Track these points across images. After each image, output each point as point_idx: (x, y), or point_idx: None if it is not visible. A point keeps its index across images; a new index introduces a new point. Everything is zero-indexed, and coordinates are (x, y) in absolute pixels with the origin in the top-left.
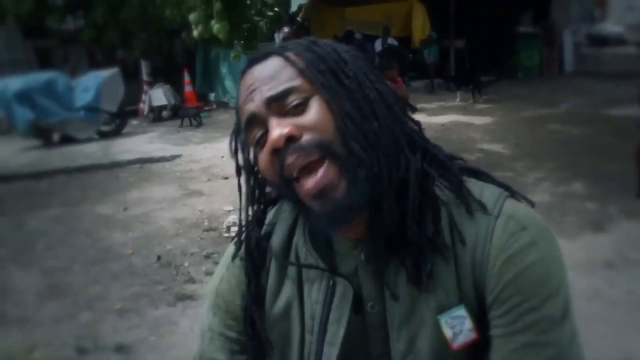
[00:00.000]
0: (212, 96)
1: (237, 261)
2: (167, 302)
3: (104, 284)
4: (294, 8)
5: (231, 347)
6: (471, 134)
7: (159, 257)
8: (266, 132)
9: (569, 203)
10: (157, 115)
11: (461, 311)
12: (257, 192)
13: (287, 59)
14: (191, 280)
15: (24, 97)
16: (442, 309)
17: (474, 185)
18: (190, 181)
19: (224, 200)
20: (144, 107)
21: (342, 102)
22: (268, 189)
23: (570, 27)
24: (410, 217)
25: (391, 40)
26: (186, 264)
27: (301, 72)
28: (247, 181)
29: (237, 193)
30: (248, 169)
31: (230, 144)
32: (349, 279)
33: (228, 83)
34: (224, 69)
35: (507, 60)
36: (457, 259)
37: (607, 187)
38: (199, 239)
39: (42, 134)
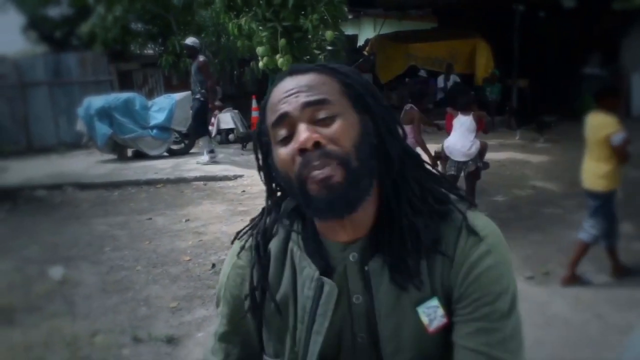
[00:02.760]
0: None
1: (243, 256)
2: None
3: (162, 285)
4: (361, 42)
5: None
6: (526, 171)
7: (213, 265)
8: (292, 133)
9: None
10: (224, 138)
11: (435, 302)
12: (271, 184)
13: (327, 77)
14: None
15: (104, 114)
16: (419, 300)
17: (445, 197)
18: (250, 200)
19: None
20: (212, 129)
21: (362, 123)
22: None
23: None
24: (400, 222)
25: (454, 77)
26: None
27: (336, 91)
28: (263, 173)
29: None
30: (265, 164)
31: (254, 141)
32: (338, 275)
33: None
34: None
35: (571, 101)
36: (430, 261)
37: None
38: None
39: (118, 148)
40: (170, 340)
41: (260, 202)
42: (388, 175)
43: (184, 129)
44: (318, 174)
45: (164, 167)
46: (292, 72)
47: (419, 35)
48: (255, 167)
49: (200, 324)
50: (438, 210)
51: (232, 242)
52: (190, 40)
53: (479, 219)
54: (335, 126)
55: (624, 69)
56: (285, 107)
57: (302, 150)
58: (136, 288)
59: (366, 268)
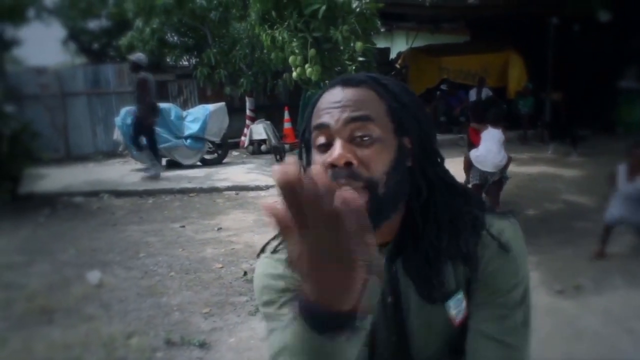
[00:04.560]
0: None
1: (275, 255)
2: (248, 311)
3: (195, 291)
4: (393, 55)
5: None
6: (557, 185)
7: (245, 273)
8: (330, 143)
9: None
10: (256, 148)
11: (460, 294)
12: None
13: (376, 94)
14: None
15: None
16: (447, 295)
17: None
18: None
19: None
20: (245, 140)
21: (399, 148)
22: None
23: None
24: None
25: (486, 91)
26: None
27: (382, 111)
28: (303, 168)
29: None
30: (307, 160)
31: (300, 141)
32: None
33: None
34: None
35: (606, 115)
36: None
37: None
38: None
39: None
40: (203, 345)
41: None
42: (417, 197)
43: (217, 139)
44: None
45: (197, 177)
46: (344, 82)
47: (452, 48)
48: None
49: (231, 330)
50: (463, 228)
51: (261, 251)
52: (134, 56)
53: (507, 230)
54: (372, 149)
55: None
56: (327, 119)
57: (333, 165)
58: (169, 293)
59: (394, 268)
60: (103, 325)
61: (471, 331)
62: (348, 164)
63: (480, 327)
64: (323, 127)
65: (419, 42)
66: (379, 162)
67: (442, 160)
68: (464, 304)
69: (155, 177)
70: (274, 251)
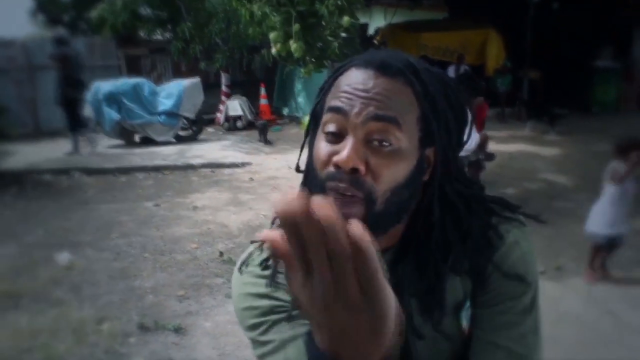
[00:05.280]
0: (285, 111)
1: (255, 270)
2: (225, 293)
3: (169, 272)
4: (372, 31)
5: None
6: (536, 164)
7: (221, 253)
8: (340, 134)
9: (629, 238)
10: (232, 125)
11: (468, 303)
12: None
13: (415, 94)
14: None
15: (112, 99)
16: (456, 305)
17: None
18: (258, 188)
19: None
20: (220, 116)
21: (418, 162)
22: None
23: None
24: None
25: (464, 67)
26: None
27: (413, 116)
28: (308, 143)
29: None
30: (312, 136)
31: (311, 113)
32: None
33: (301, 99)
34: (298, 85)
35: (582, 94)
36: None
37: None
38: None
39: (126, 134)
40: (178, 330)
41: (267, 191)
42: (426, 214)
43: (192, 116)
44: (339, 196)
45: (171, 154)
46: (379, 67)
47: (431, 25)
48: (264, 154)
49: (208, 313)
50: (475, 247)
51: (242, 264)
52: (56, 32)
53: (505, 223)
54: (388, 160)
55: (636, 61)
56: (347, 105)
57: (337, 166)
58: (143, 275)
59: (399, 272)
60: (73, 310)
61: (478, 340)
62: (354, 170)
63: (487, 336)
64: (339, 113)
65: (398, 18)
66: (391, 176)
67: (463, 173)
68: (470, 311)
69: (73, 154)
70: (261, 264)
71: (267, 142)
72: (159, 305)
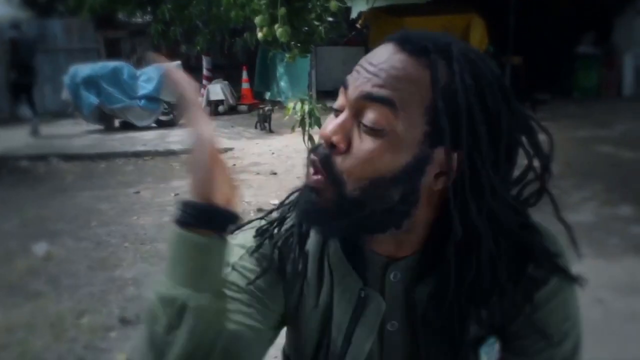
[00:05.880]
0: (267, 95)
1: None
2: None
3: (151, 263)
4: (354, 15)
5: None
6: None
7: None
8: (342, 109)
9: (614, 225)
10: (213, 109)
11: (493, 338)
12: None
13: (432, 81)
14: None
15: (91, 83)
16: (478, 338)
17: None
18: (240, 174)
19: (272, 195)
20: (201, 100)
21: (417, 165)
22: None
23: (632, 50)
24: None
25: None
26: None
27: (421, 111)
28: None
29: (283, 189)
30: None
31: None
32: (376, 292)
33: (283, 84)
34: (280, 69)
35: (564, 80)
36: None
37: None
38: None
39: (105, 118)
40: None
41: (249, 177)
42: (445, 233)
43: (172, 100)
44: (310, 171)
45: (152, 139)
46: (401, 41)
47: (413, 9)
48: (245, 139)
49: None
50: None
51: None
52: (14, 18)
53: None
54: (374, 143)
55: (617, 48)
56: (351, 79)
57: (322, 138)
58: (124, 266)
59: (413, 295)
60: (50, 303)
61: None
62: (332, 146)
63: None
64: (344, 87)
65: (381, 2)
66: (370, 163)
67: (504, 199)
68: (496, 347)
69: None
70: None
71: (271, 130)
72: (141, 297)
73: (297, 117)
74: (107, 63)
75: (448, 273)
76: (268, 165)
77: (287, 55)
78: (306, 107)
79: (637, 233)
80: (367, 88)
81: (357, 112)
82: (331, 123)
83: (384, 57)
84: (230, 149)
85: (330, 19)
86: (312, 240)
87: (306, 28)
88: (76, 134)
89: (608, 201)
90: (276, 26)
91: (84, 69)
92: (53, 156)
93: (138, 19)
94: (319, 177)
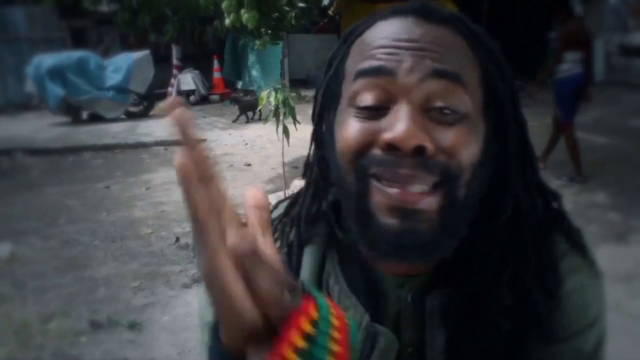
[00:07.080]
0: (239, 84)
1: None
2: (183, 283)
3: (122, 261)
4: (326, 2)
5: None
6: None
7: (177, 239)
8: (383, 107)
9: (592, 212)
10: (184, 100)
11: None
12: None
13: (471, 47)
14: None
15: (57, 74)
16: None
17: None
18: (213, 165)
19: (245, 187)
20: (172, 90)
21: (487, 136)
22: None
23: (603, 36)
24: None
25: None
26: None
27: (475, 74)
28: (314, 135)
29: (257, 181)
30: (319, 123)
31: (317, 85)
32: (389, 321)
33: (255, 72)
34: (252, 58)
35: (536, 66)
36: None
37: (631, 198)
38: None
39: (72, 110)
40: (133, 326)
41: (225, 169)
42: (486, 223)
43: (142, 91)
44: (398, 192)
45: (121, 131)
46: (420, 12)
47: None
48: (218, 130)
49: (165, 306)
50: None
51: None
52: None
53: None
54: (456, 130)
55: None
56: (391, 63)
57: (391, 146)
58: (93, 266)
59: (428, 310)
60: (15, 308)
61: None
62: (419, 151)
63: None
64: (378, 75)
65: None
66: (467, 150)
67: (537, 175)
68: None
69: None
70: None
71: (261, 118)
72: (112, 298)
73: (272, 106)
74: (73, 53)
75: (481, 270)
76: (241, 157)
77: (257, 42)
78: (280, 97)
79: (615, 220)
80: (431, 64)
81: (422, 101)
82: (401, 122)
83: (415, 30)
84: (203, 140)
85: (301, 4)
86: (306, 267)
87: (276, 14)
88: (41, 127)
89: (585, 189)
90: (243, 11)
91: (48, 59)
92: (17, 150)
93: (104, 7)
94: (417, 185)
